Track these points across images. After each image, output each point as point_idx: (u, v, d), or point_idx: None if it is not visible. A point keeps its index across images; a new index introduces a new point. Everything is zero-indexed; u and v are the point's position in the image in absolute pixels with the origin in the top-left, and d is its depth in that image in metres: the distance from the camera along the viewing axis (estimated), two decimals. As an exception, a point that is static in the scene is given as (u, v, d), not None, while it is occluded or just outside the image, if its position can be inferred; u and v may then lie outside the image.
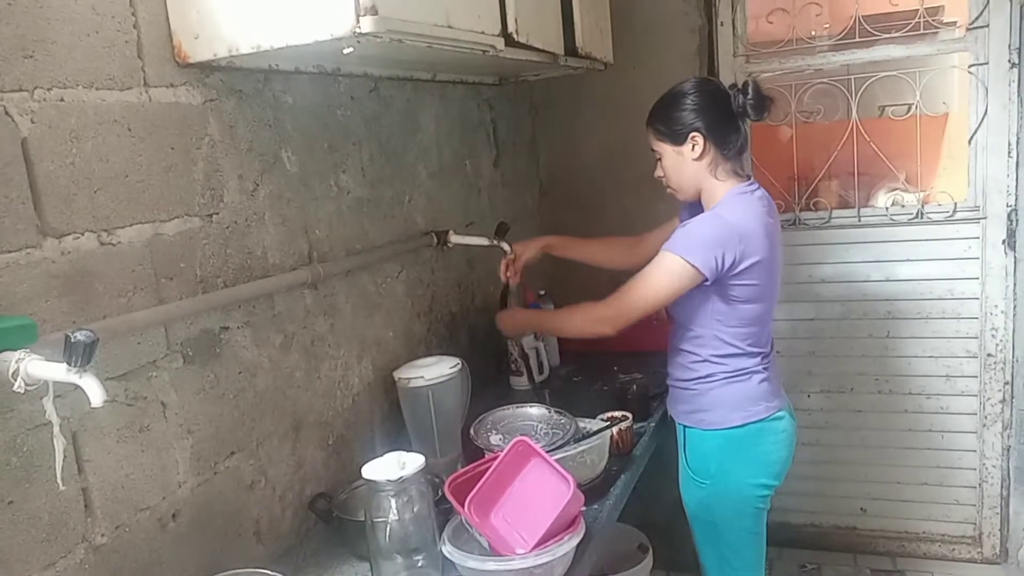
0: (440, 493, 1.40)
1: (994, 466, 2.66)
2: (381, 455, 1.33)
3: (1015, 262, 2.50)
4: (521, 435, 1.43)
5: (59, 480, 1.01)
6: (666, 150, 1.74)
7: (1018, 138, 2.43)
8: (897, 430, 2.74)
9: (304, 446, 1.60)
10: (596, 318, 1.77)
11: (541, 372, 2.27)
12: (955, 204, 2.56)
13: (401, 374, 1.76)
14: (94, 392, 0.92)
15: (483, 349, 2.34)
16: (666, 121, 1.72)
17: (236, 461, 1.42)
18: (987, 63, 2.42)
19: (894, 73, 2.53)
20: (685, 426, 1.82)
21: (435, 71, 2.04)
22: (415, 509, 1.29)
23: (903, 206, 2.63)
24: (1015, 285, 2.51)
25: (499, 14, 1.55)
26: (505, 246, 2.11)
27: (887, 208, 2.65)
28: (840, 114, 2.69)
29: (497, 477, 1.36)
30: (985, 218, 2.52)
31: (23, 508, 1.05)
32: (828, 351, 2.76)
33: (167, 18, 1.27)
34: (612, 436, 1.72)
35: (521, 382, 2.24)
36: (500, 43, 1.54)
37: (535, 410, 1.77)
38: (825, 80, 2.61)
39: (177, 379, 1.29)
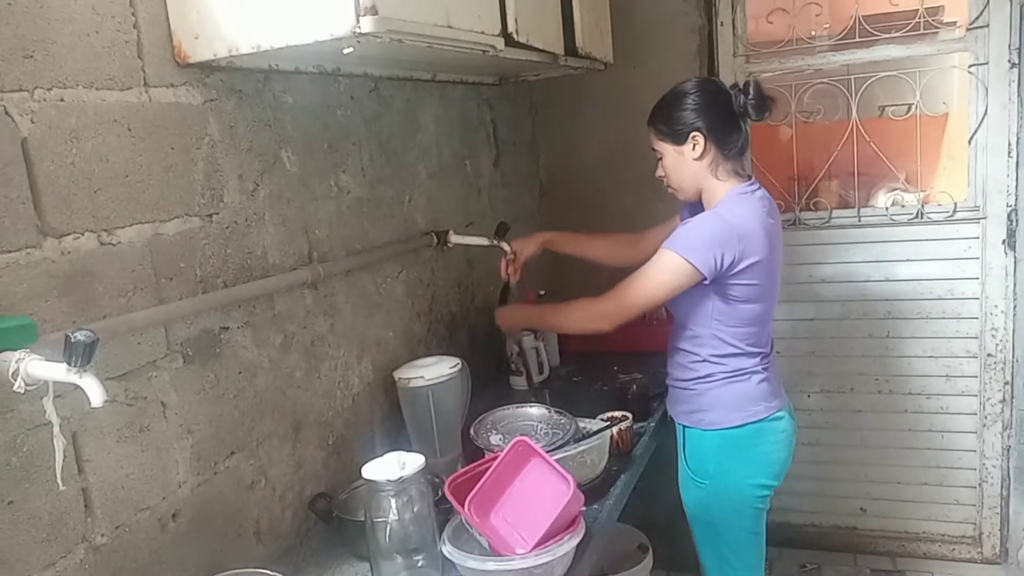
0: (440, 493, 1.40)
1: (994, 466, 2.66)
2: (381, 455, 1.33)
3: (1015, 262, 2.50)
4: (521, 435, 1.43)
5: (59, 480, 1.01)
6: (667, 150, 1.74)
7: (1018, 138, 2.43)
8: (897, 430, 2.74)
9: (304, 446, 1.60)
10: (594, 314, 1.77)
11: (541, 372, 2.27)
12: (955, 204, 2.56)
13: (401, 374, 1.76)
14: (94, 392, 0.92)
15: (483, 349, 2.33)
16: (667, 121, 1.72)
17: (236, 461, 1.42)
18: (987, 63, 2.42)
19: (894, 73, 2.53)
20: (684, 426, 1.82)
21: (435, 71, 2.04)
22: (415, 509, 1.29)
23: (903, 206, 2.63)
24: (1015, 285, 2.51)
25: (499, 14, 1.55)
26: (505, 246, 2.11)
27: (887, 208, 2.65)
28: (840, 114, 2.69)
29: (497, 477, 1.36)
30: (985, 218, 2.52)
31: (23, 508, 1.05)
32: (828, 351, 2.76)
33: (167, 18, 1.27)
34: (612, 436, 1.72)
35: (521, 382, 2.24)
36: (500, 43, 1.54)
37: (535, 410, 1.77)
38: (825, 80, 2.61)
39: (177, 379, 1.29)
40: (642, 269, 1.69)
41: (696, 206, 1.79)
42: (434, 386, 1.72)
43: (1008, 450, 2.63)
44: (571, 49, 1.97)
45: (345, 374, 1.73)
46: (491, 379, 2.28)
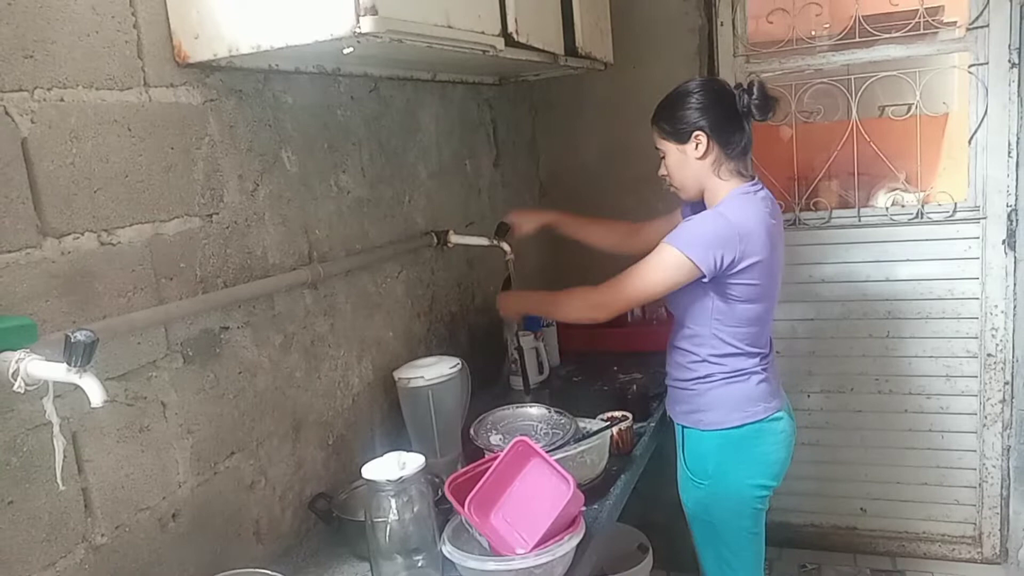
0: (440, 493, 1.40)
1: (994, 466, 2.66)
2: (381, 455, 1.33)
3: (1015, 262, 2.50)
4: (521, 435, 1.43)
5: (59, 480, 1.01)
6: (670, 149, 1.74)
7: (1018, 138, 2.43)
8: (897, 430, 2.74)
9: (304, 446, 1.60)
10: (591, 303, 1.78)
11: (541, 372, 2.27)
12: (955, 204, 2.56)
13: (401, 374, 1.76)
14: (94, 392, 0.92)
15: (483, 349, 2.33)
16: (670, 120, 1.72)
17: (236, 461, 1.42)
18: (987, 63, 2.42)
19: (894, 73, 2.53)
20: (684, 426, 1.82)
21: (435, 71, 2.04)
22: (415, 509, 1.29)
23: (903, 206, 2.63)
24: (1015, 285, 2.51)
25: (499, 14, 1.55)
26: (505, 246, 2.11)
27: (887, 208, 2.65)
28: (840, 114, 2.69)
29: (497, 477, 1.36)
30: (985, 218, 2.52)
31: (23, 508, 1.05)
32: (828, 351, 2.76)
33: (167, 18, 1.27)
34: (612, 436, 1.72)
35: (521, 382, 2.23)
36: (500, 43, 1.54)
37: (535, 410, 1.77)
38: (825, 80, 2.61)
39: (177, 379, 1.29)
40: (641, 262, 1.69)
41: (698, 205, 1.79)
42: (434, 386, 1.72)
43: (1008, 450, 2.63)
44: (571, 49, 1.97)
45: (345, 374, 1.73)
46: (491, 379, 2.28)
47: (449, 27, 1.34)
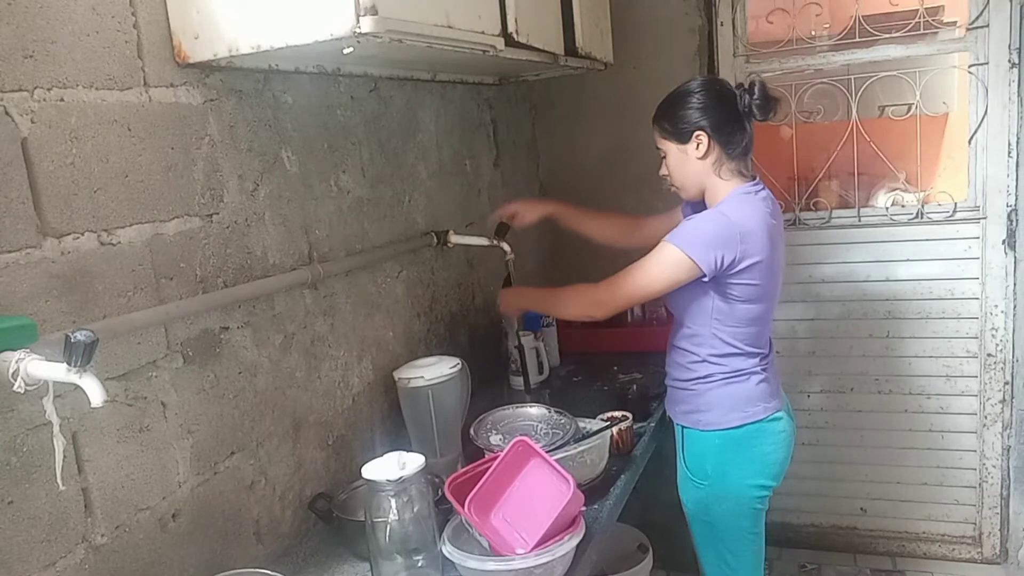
0: (440, 493, 1.40)
1: (994, 466, 2.66)
2: (381, 455, 1.33)
3: (1015, 262, 2.50)
4: (521, 435, 1.43)
5: (59, 480, 1.00)
6: (671, 148, 1.74)
7: (1018, 138, 2.43)
8: (897, 430, 2.74)
9: (304, 446, 1.60)
10: (590, 301, 1.78)
11: (541, 372, 2.27)
12: (955, 204, 2.56)
13: (401, 374, 1.76)
14: (94, 392, 0.92)
15: (483, 349, 2.34)
16: (671, 119, 1.72)
17: (236, 461, 1.42)
18: (987, 63, 2.42)
19: (894, 73, 2.53)
20: (683, 427, 1.82)
21: (435, 71, 2.04)
22: (415, 509, 1.29)
23: (903, 206, 2.63)
24: (1015, 285, 2.51)
25: (499, 14, 1.55)
26: (505, 246, 2.11)
27: (887, 208, 2.65)
28: (840, 114, 2.69)
29: (497, 477, 1.36)
30: (985, 218, 2.52)
31: (23, 508, 1.05)
32: (828, 351, 2.76)
33: (167, 18, 1.27)
34: (612, 436, 1.72)
35: (520, 382, 2.23)
36: (500, 43, 1.54)
37: (535, 410, 1.77)
38: (825, 80, 2.61)
39: (177, 379, 1.29)
40: (641, 260, 1.69)
41: (698, 205, 1.79)
42: (434, 386, 1.72)
43: (1008, 450, 2.63)
44: (571, 49, 1.97)
45: (345, 374, 1.73)
46: (491, 379, 2.28)
47: (449, 27, 1.34)
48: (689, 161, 1.72)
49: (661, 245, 1.66)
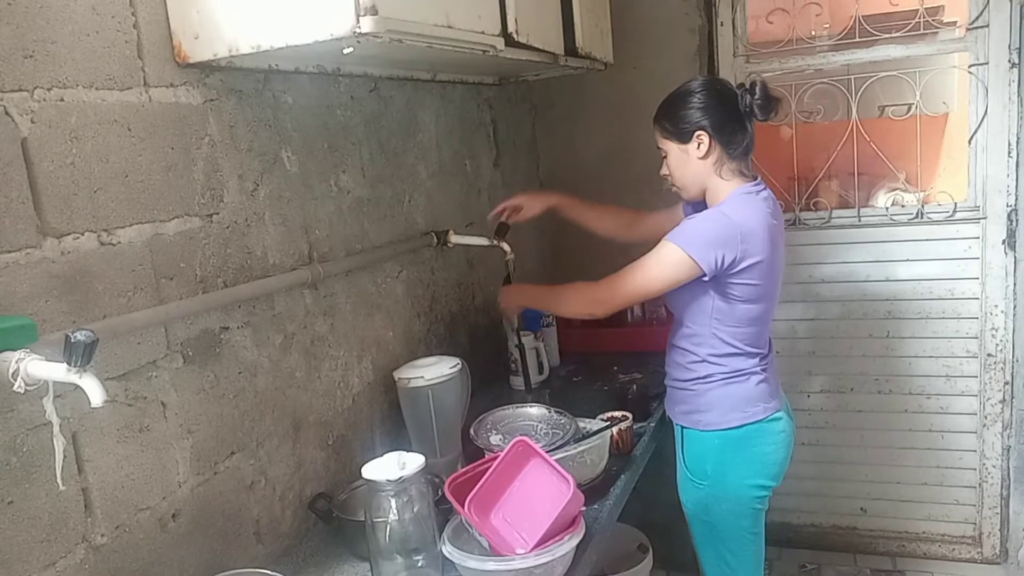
0: (440, 493, 1.40)
1: (994, 466, 2.66)
2: (381, 455, 1.33)
3: (1015, 262, 2.50)
4: (521, 435, 1.43)
5: (59, 480, 1.00)
6: (672, 148, 1.74)
7: (1018, 138, 2.43)
8: (897, 430, 2.74)
9: (304, 446, 1.60)
10: (591, 299, 1.78)
11: (541, 372, 2.27)
12: (955, 204, 2.56)
13: (401, 374, 1.76)
14: (94, 392, 0.92)
15: (483, 349, 2.34)
16: (672, 119, 1.72)
17: (236, 461, 1.42)
18: (987, 63, 2.42)
19: (894, 73, 2.53)
20: (683, 427, 1.82)
21: (435, 71, 2.04)
22: (415, 509, 1.29)
23: (903, 206, 2.63)
24: (1015, 285, 2.51)
25: (499, 14, 1.55)
26: (505, 246, 2.11)
27: (887, 208, 2.65)
28: (840, 114, 2.69)
29: (497, 477, 1.36)
30: (985, 218, 2.52)
31: (23, 508, 1.05)
32: (828, 351, 2.76)
33: (167, 18, 1.27)
34: (612, 436, 1.72)
35: (520, 382, 2.23)
36: (500, 43, 1.54)
37: (535, 410, 1.77)
38: (825, 80, 2.61)
39: (177, 379, 1.29)
40: (642, 259, 1.69)
41: (699, 205, 1.79)
42: (434, 386, 1.72)
43: (1008, 450, 2.63)
44: (571, 49, 1.97)
45: (345, 374, 1.73)
46: (491, 379, 2.28)
47: (449, 27, 1.34)
48: (690, 161, 1.72)
49: (662, 244, 1.66)
